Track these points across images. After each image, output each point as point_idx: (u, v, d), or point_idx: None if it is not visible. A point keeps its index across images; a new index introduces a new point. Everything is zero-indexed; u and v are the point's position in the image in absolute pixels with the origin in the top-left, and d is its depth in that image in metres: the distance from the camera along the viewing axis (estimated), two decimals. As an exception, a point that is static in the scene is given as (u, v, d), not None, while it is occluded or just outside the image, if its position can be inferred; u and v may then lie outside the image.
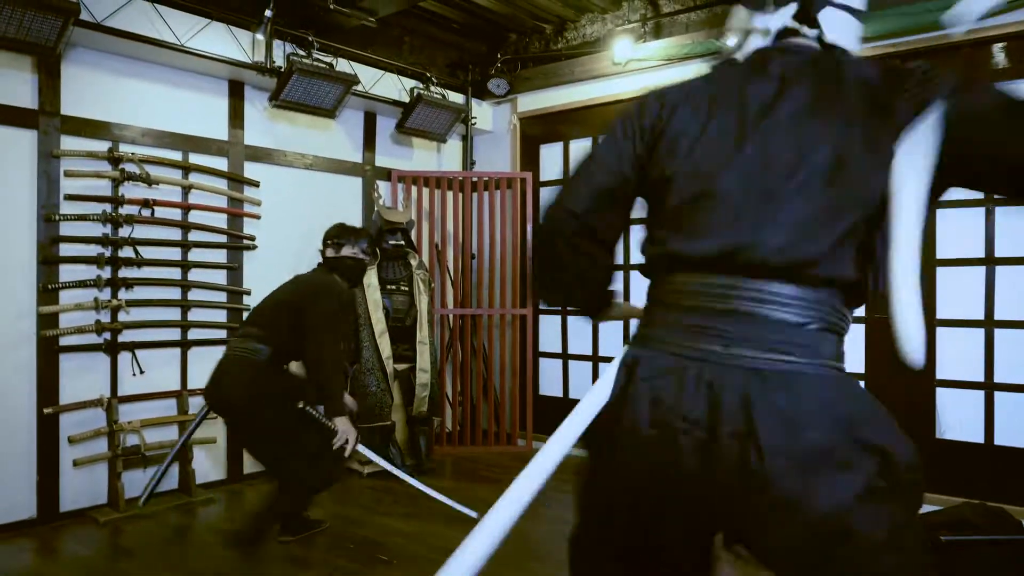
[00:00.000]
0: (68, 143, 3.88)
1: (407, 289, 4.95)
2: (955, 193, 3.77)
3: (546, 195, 5.62)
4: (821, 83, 1.22)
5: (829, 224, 1.15)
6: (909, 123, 1.13)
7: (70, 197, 3.86)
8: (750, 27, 1.34)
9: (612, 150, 1.34)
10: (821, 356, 1.18)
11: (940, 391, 4.03)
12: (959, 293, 3.99)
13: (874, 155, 1.15)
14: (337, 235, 3.64)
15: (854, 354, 4.27)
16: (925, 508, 3.69)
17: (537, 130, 5.75)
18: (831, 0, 1.30)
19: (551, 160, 5.71)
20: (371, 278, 4.74)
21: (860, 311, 4.20)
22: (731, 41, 1.39)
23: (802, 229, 1.15)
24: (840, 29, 1.30)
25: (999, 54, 3.88)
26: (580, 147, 5.44)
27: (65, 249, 3.87)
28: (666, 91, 1.33)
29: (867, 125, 1.17)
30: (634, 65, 5.08)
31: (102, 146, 4.00)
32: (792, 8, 1.30)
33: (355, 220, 5.35)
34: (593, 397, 1.28)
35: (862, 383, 4.26)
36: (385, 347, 4.71)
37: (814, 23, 1.29)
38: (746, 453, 1.10)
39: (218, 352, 4.34)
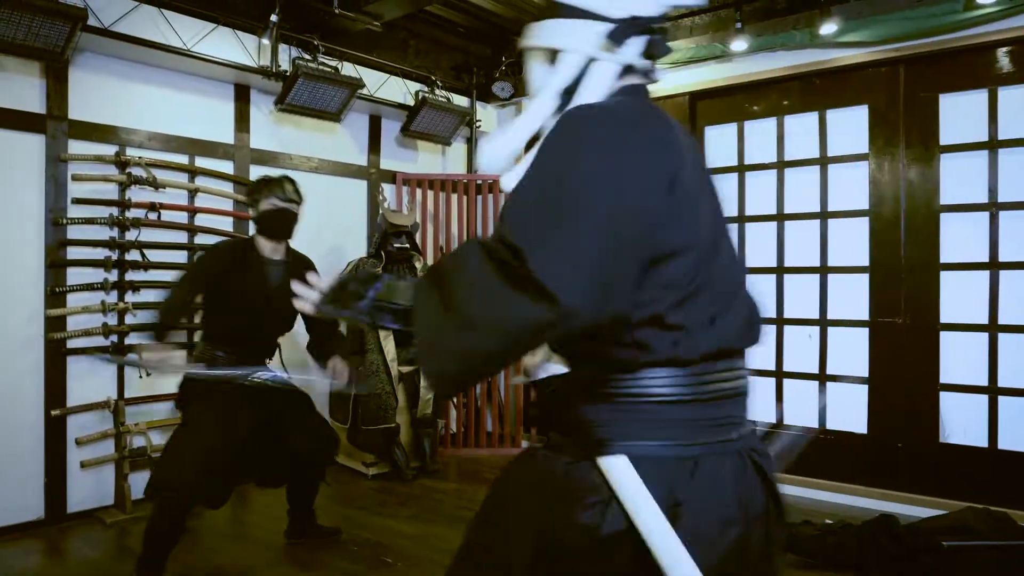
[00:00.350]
0: (76, 147, 3.91)
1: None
2: (959, 196, 3.79)
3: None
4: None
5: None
6: None
7: (78, 201, 3.89)
8: (593, 55, 1.21)
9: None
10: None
11: (944, 395, 4.02)
12: (963, 297, 3.99)
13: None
14: (253, 191, 3.36)
15: (857, 358, 4.28)
16: (928, 513, 3.72)
17: (541, 133, 5.75)
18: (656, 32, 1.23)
19: (555, 163, 5.70)
20: (376, 281, 4.75)
21: (864, 314, 4.21)
22: (566, 68, 1.22)
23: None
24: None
25: (1003, 58, 3.88)
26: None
27: (73, 252, 3.90)
28: (664, 130, 1.14)
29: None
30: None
31: (109, 150, 4.03)
32: (643, 41, 1.21)
33: (360, 222, 5.38)
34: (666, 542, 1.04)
35: (865, 387, 4.26)
36: (390, 349, 4.72)
37: (654, 61, 1.25)
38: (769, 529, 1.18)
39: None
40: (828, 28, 4.16)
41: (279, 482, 3.45)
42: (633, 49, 1.21)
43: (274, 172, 4.70)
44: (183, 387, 3.23)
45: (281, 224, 3.32)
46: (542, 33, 1.27)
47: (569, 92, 1.22)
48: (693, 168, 1.14)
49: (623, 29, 1.19)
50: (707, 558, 1.03)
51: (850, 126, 4.35)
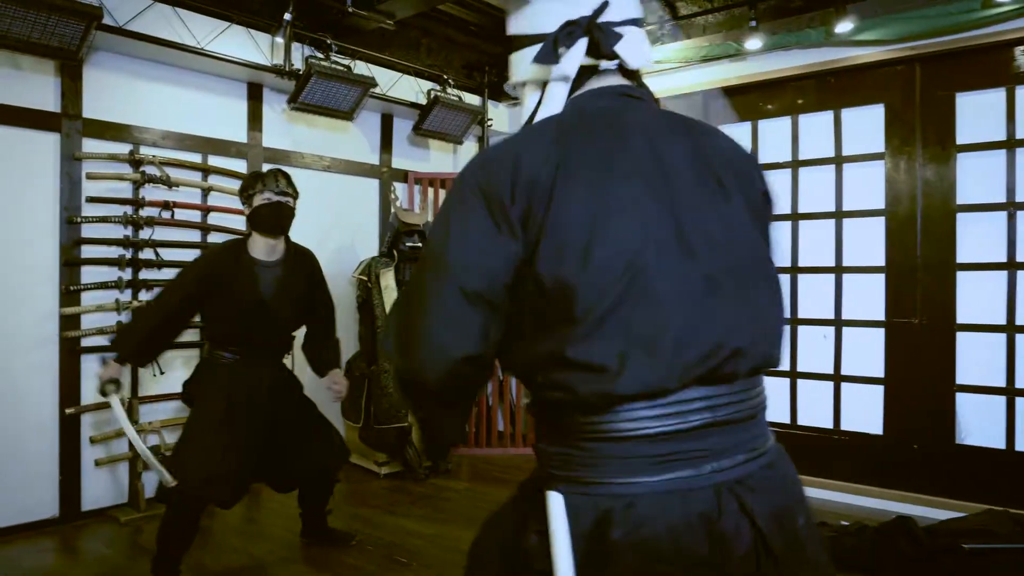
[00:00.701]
0: (90, 146, 3.92)
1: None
2: (976, 196, 3.75)
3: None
4: (688, 139, 1.15)
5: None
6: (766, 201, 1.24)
7: (92, 199, 3.90)
8: (544, 77, 1.20)
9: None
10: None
11: (960, 396, 3.99)
12: (980, 298, 3.95)
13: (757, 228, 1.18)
14: (245, 188, 3.19)
15: (873, 358, 4.25)
16: (944, 515, 3.69)
17: (553, 132, 5.74)
18: (615, 24, 1.18)
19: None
20: (388, 280, 4.75)
21: (880, 315, 4.18)
22: (528, 99, 1.23)
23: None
24: (634, 50, 1.19)
25: (1021, 57, 3.85)
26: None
27: (87, 251, 3.91)
28: (522, 156, 1.07)
29: (745, 195, 1.16)
30: (651, 67, 5.06)
31: (123, 149, 4.04)
32: (582, 44, 1.16)
33: (372, 222, 5.37)
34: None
35: (881, 388, 4.23)
36: (402, 349, 4.71)
37: (612, 55, 1.18)
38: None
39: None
40: (844, 26, 4.13)
41: (288, 488, 3.42)
42: (575, 56, 1.16)
43: (287, 171, 4.75)
44: (190, 383, 3.22)
45: (276, 218, 3.15)
46: (511, 71, 1.28)
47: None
48: (640, 180, 1.06)
49: (552, 41, 1.16)
50: None
51: (866, 125, 4.32)
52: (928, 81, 4.12)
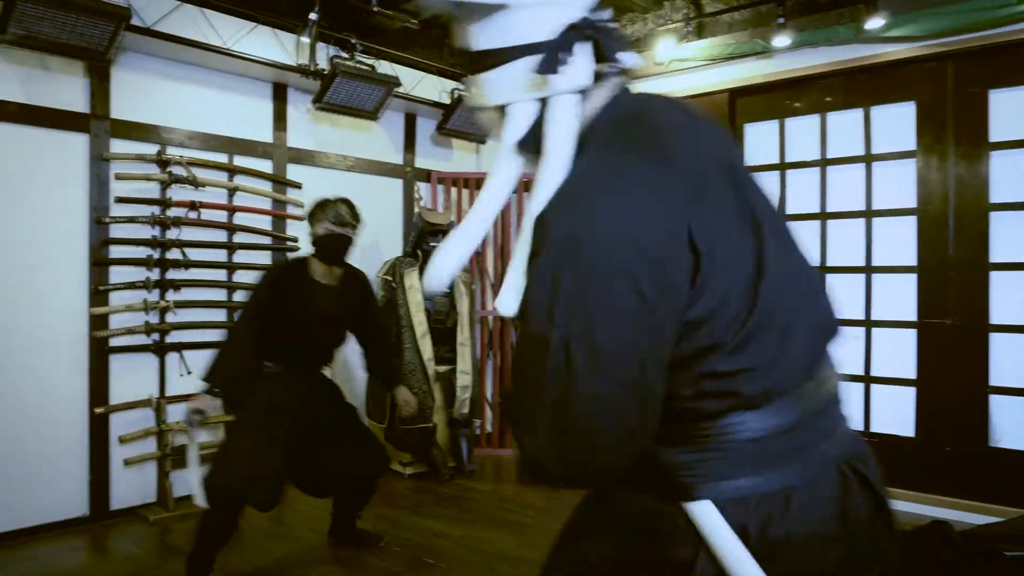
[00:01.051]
0: (118, 146, 3.93)
1: (448, 291, 4.94)
2: (1010, 195, 3.68)
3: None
4: (717, 145, 1.10)
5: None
6: None
7: (120, 200, 3.92)
8: (542, 93, 1.06)
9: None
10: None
11: (994, 398, 3.93)
12: (1014, 298, 3.89)
13: None
14: (311, 215, 3.33)
15: (906, 360, 4.19)
16: (978, 519, 3.61)
17: (576, 131, 5.71)
18: (608, 21, 1.07)
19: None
20: (413, 279, 4.75)
21: (912, 315, 4.12)
22: (516, 124, 1.08)
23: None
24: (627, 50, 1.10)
25: (1057, 52, 3.78)
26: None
27: (115, 251, 3.92)
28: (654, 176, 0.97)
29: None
30: (676, 65, 5.02)
31: (151, 149, 4.05)
32: (588, 50, 1.05)
33: (396, 222, 5.37)
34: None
35: (913, 390, 4.18)
36: (427, 349, 4.71)
37: (615, 60, 1.07)
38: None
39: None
40: (874, 23, 4.07)
41: (323, 494, 3.44)
42: (584, 62, 1.05)
43: (310, 171, 4.77)
44: (234, 391, 3.25)
45: (334, 250, 3.29)
46: (482, 90, 1.10)
47: (529, 147, 1.09)
48: (716, 184, 1.01)
49: (555, 49, 1.02)
50: None
51: (896, 123, 4.26)
52: (960, 78, 4.06)
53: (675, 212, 0.94)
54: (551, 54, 1.02)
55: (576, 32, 1.03)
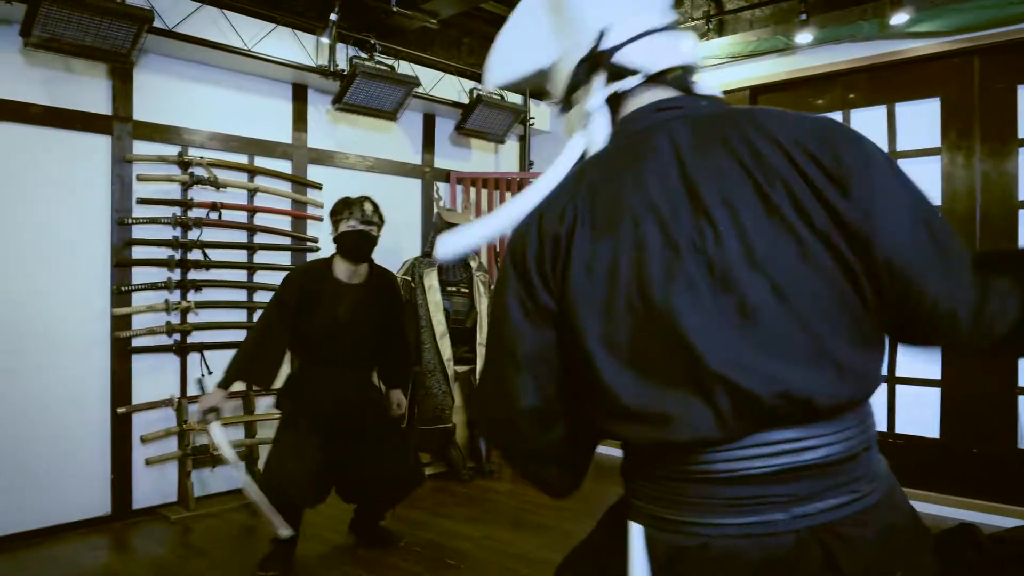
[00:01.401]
0: (139, 148, 3.96)
1: (467, 291, 4.94)
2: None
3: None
4: (724, 148, 1.01)
5: None
6: None
7: (142, 201, 3.94)
8: (576, 118, 1.17)
9: None
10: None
11: (1022, 399, 3.86)
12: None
13: None
14: (334, 212, 3.37)
15: (929, 360, 4.12)
16: (1006, 522, 3.55)
17: (596, 130, 5.68)
18: (624, 43, 1.11)
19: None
20: (432, 280, 4.74)
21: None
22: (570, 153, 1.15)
23: None
24: (654, 54, 1.12)
25: (1088, 47, 3.71)
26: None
27: (137, 252, 3.95)
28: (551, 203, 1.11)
29: (792, 196, 0.99)
30: (697, 62, 4.98)
31: (172, 150, 4.08)
32: (598, 80, 1.12)
33: (415, 222, 5.37)
34: None
35: (938, 390, 4.11)
36: (446, 349, 4.70)
37: (632, 72, 1.11)
38: None
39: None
40: (899, 18, 4.02)
41: (354, 499, 3.48)
42: (593, 94, 1.13)
43: (330, 171, 4.78)
44: (281, 394, 3.40)
45: (357, 246, 3.31)
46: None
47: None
48: (634, 218, 0.99)
49: (567, 87, 1.17)
50: None
51: (921, 119, 4.20)
52: (987, 73, 3.99)
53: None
54: (561, 93, 1.19)
55: (581, 67, 1.14)
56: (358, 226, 3.28)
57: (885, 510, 1.01)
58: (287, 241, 4.59)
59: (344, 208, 3.31)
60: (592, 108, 1.12)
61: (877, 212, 0.95)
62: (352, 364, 3.39)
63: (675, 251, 0.96)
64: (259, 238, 4.44)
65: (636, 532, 1.03)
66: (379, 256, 5.05)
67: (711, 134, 1.01)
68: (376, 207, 3.37)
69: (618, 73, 1.11)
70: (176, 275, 4.06)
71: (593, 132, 1.13)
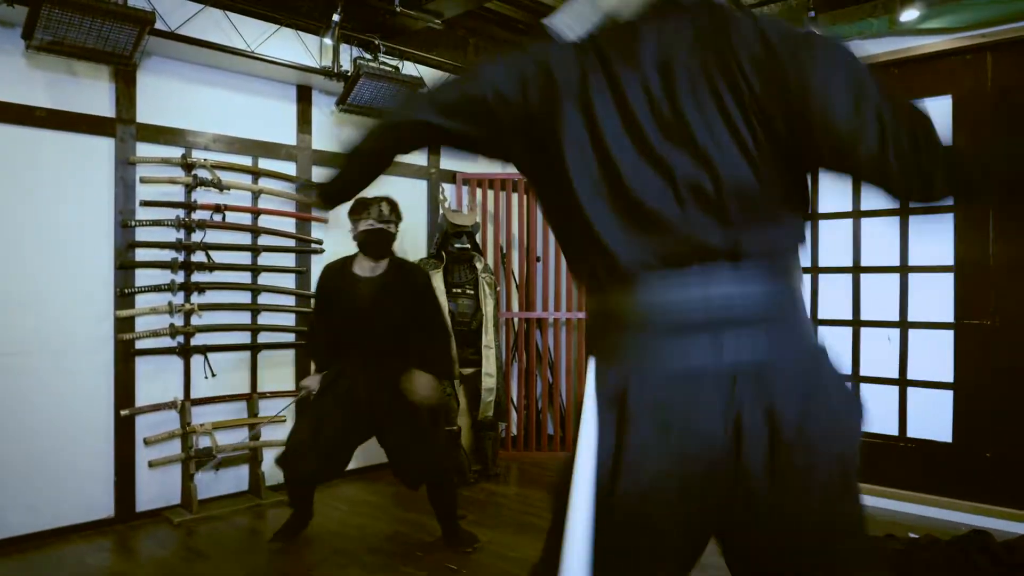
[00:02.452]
0: (143, 150, 3.96)
1: (472, 292, 4.91)
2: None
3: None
4: (707, 51, 1.20)
5: None
6: None
7: (145, 203, 3.93)
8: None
9: None
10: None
11: (1037, 402, 3.78)
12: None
13: None
14: (352, 212, 3.48)
15: (942, 362, 4.06)
16: (1021, 529, 3.47)
17: (603, 130, 5.64)
18: None
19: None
20: (438, 281, 4.71)
21: (950, 316, 3.99)
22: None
23: None
24: None
25: (1103, 42, 3.63)
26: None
27: (141, 254, 3.95)
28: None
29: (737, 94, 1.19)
30: None
31: (175, 152, 4.07)
32: None
33: (421, 223, 5.34)
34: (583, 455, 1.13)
35: (950, 393, 4.03)
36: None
37: None
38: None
39: (287, 355, 4.40)
40: (909, 15, 3.95)
41: (411, 485, 3.48)
42: None
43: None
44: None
45: (376, 245, 3.46)
46: None
47: None
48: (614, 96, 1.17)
49: None
50: (638, 464, 1.10)
51: (932, 117, 4.12)
52: (1000, 71, 3.92)
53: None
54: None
55: None
56: (376, 225, 3.43)
57: (814, 369, 1.20)
58: (291, 243, 4.57)
59: (362, 208, 3.44)
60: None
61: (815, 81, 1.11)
62: (372, 355, 3.47)
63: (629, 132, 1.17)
64: (263, 240, 4.43)
65: (590, 364, 1.19)
66: (384, 258, 5.03)
67: (693, 39, 1.19)
68: (393, 206, 3.51)
69: None
70: (180, 277, 4.06)
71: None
